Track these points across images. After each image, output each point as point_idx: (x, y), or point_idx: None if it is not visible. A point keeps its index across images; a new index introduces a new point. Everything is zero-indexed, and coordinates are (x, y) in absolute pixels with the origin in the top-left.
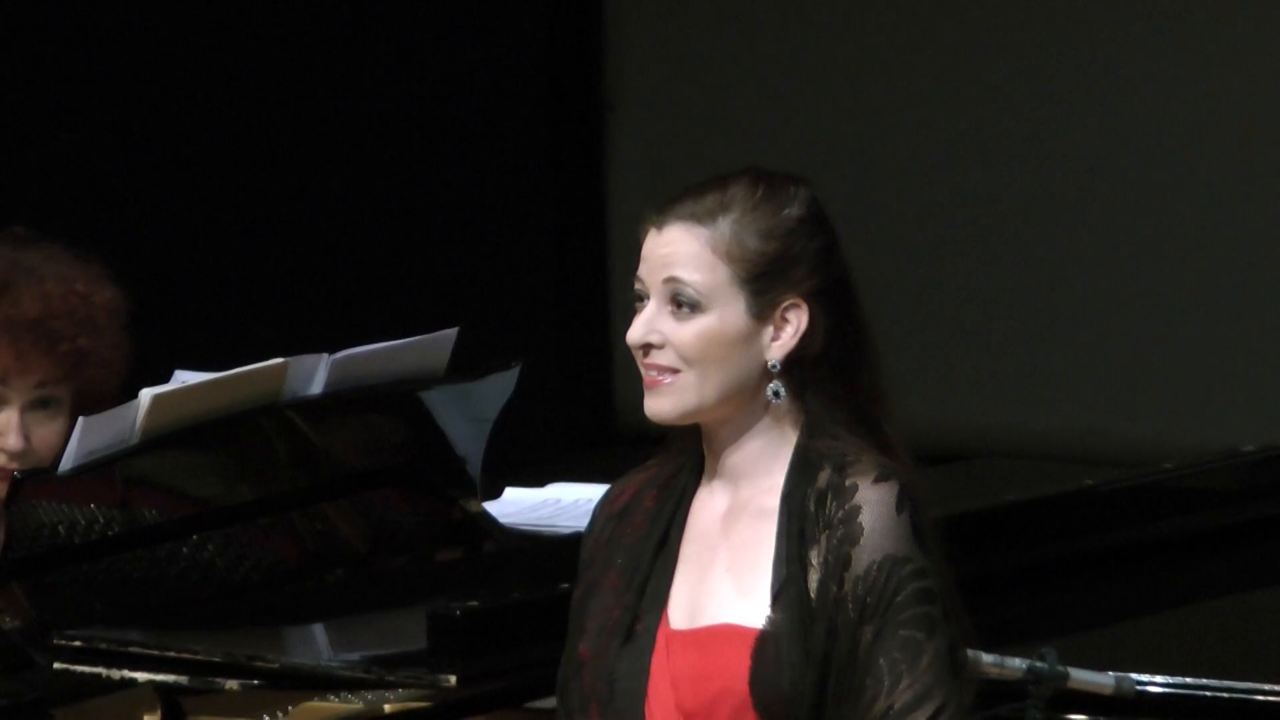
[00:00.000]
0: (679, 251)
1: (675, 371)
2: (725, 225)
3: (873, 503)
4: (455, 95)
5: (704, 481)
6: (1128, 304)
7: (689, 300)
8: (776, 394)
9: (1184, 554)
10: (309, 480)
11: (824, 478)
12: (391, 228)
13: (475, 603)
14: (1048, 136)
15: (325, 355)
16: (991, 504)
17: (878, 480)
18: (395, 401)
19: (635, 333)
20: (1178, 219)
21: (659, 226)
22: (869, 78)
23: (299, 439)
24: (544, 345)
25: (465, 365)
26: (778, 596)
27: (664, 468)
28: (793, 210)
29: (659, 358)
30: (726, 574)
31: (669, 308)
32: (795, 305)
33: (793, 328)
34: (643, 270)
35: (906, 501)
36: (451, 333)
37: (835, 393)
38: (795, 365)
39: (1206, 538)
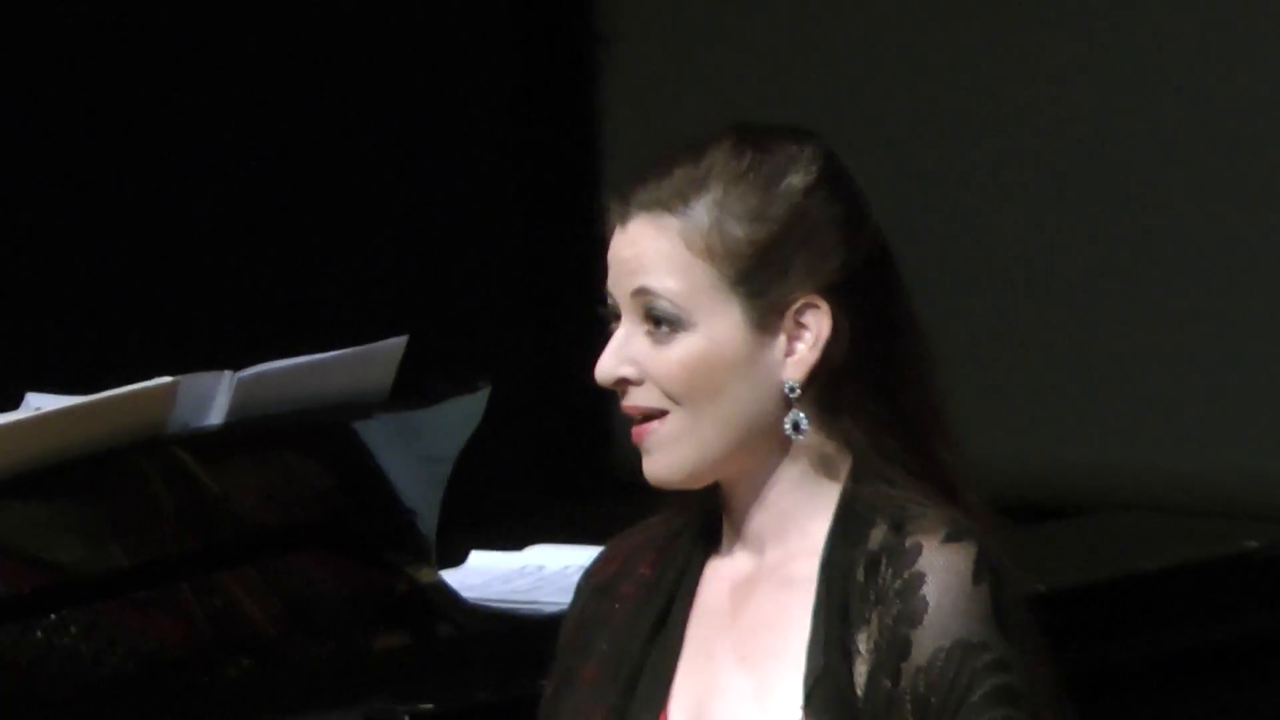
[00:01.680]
0: (645, 252)
1: (662, 414)
2: (701, 210)
3: (940, 570)
4: (405, 22)
5: (720, 542)
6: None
7: (666, 316)
8: (797, 427)
9: None
10: (203, 541)
11: (877, 536)
12: (317, 199)
13: (428, 705)
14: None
15: (228, 373)
16: (1118, 572)
17: (948, 540)
18: (321, 435)
19: (603, 365)
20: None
21: (622, 220)
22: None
23: (190, 485)
24: (520, 359)
25: (416, 386)
26: (811, 695)
27: (667, 525)
28: (794, 178)
29: (638, 396)
30: (742, 665)
31: (644, 327)
32: (811, 305)
33: (811, 335)
34: (610, 281)
35: (986, 569)
36: (398, 343)
37: (880, 417)
38: (822, 386)
39: None
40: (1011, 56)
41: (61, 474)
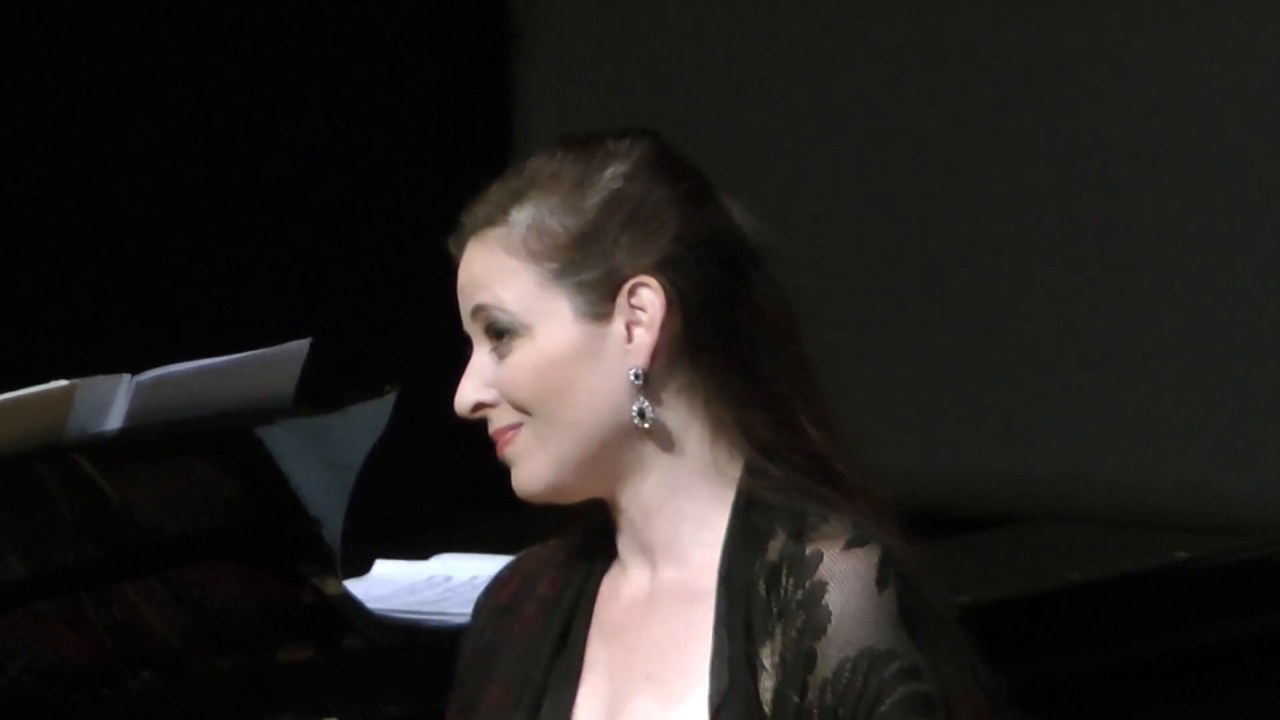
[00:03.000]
0: (475, 273)
1: (516, 428)
2: (519, 216)
3: (843, 578)
4: (320, 19)
5: (617, 557)
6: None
7: (501, 326)
8: (643, 414)
9: None
10: (103, 550)
11: (776, 546)
12: (225, 199)
13: (334, 719)
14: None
15: (127, 376)
16: (1046, 585)
17: (850, 546)
18: (223, 441)
19: (460, 396)
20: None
21: (458, 249)
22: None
23: (89, 492)
24: (430, 360)
25: (320, 390)
26: (719, 711)
27: (567, 543)
28: (611, 168)
29: (497, 418)
30: (648, 682)
31: (490, 346)
32: (641, 284)
33: (646, 315)
34: (461, 311)
35: (891, 574)
36: (301, 346)
37: (741, 392)
38: (674, 367)
39: None
40: (977, 46)
41: None
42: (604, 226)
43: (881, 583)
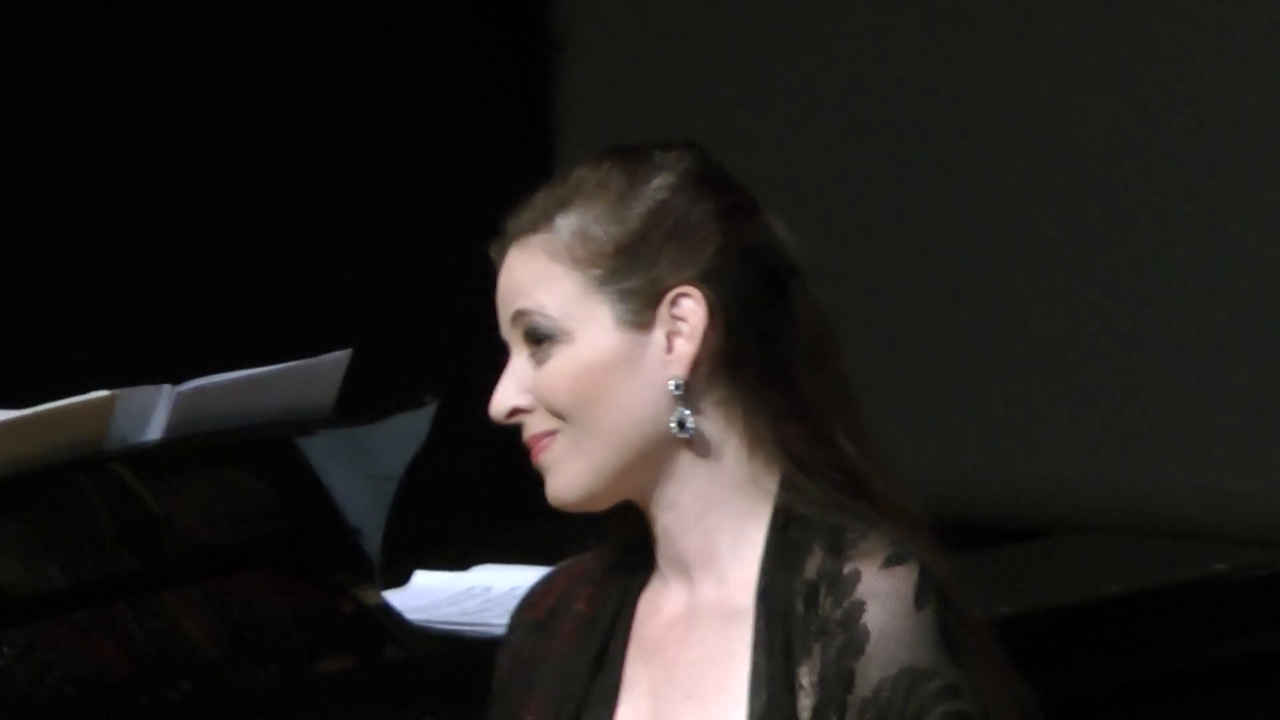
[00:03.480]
0: (517, 277)
1: (552, 435)
2: (564, 223)
3: (881, 597)
4: (361, 28)
5: (654, 574)
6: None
7: (543, 332)
8: (683, 424)
9: None
10: (142, 560)
11: (814, 564)
12: (267, 210)
13: None
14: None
15: (167, 387)
16: (1084, 596)
17: (888, 564)
18: (263, 451)
19: (495, 400)
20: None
21: (500, 255)
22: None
23: (130, 502)
24: (469, 371)
25: (361, 401)
26: None
27: (601, 559)
28: (658, 179)
29: (533, 424)
30: (688, 701)
31: (528, 352)
32: (684, 294)
33: (688, 326)
34: (499, 318)
35: (930, 592)
36: (341, 357)
37: (779, 405)
38: (713, 379)
39: None
40: (993, 60)
41: None
42: (648, 236)
43: (920, 601)
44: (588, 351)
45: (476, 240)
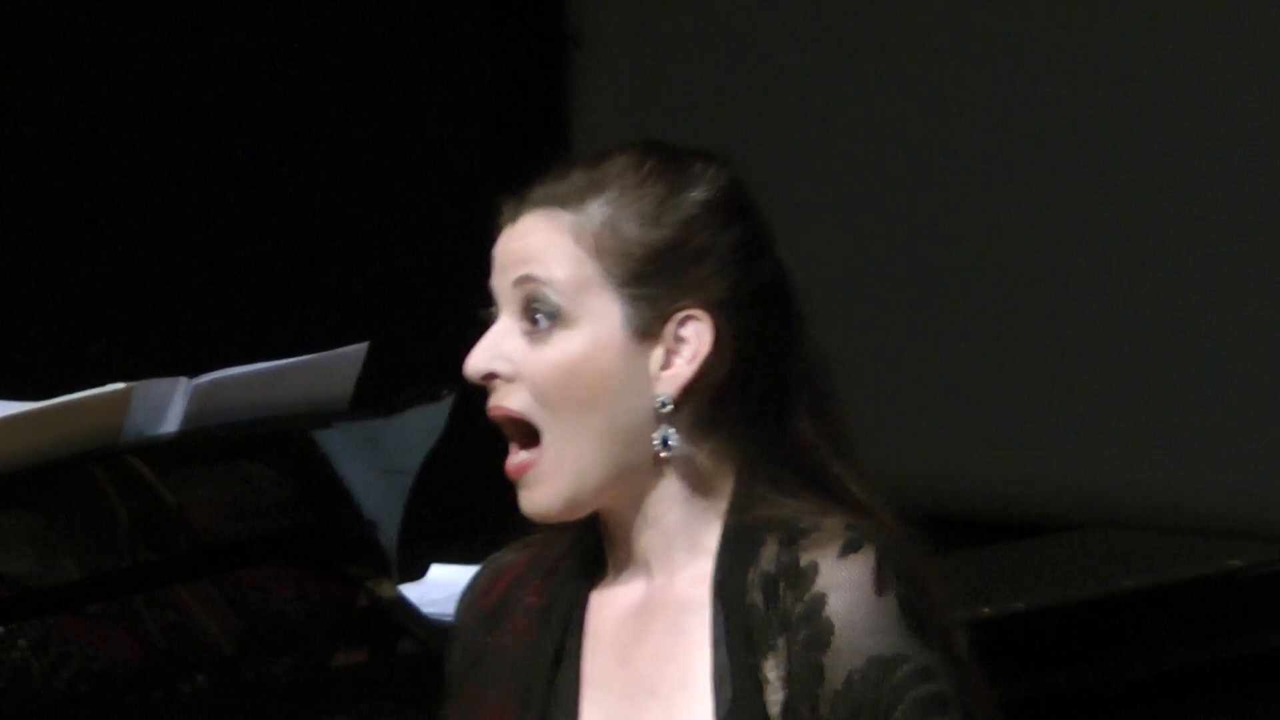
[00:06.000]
0: (534, 243)
1: (528, 428)
2: (597, 209)
3: (841, 587)
4: (377, 25)
5: (604, 568)
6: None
7: (549, 308)
8: (666, 443)
9: None
10: (157, 553)
11: (769, 554)
12: (283, 204)
13: None
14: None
15: (183, 379)
16: (1101, 591)
17: (845, 552)
18: (279, 444)
19: (474, 359)
20: None
21: (513, 218)
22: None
23: (145, 495)
24: None
25: (378, 394)
26: None
27: (547, 547)
28: (695, 192)
29: (507, 397)
30: (651, 698)
31: (523, 325)
32: (694, 318)
33: (690, 349)
34: (494, 277)
35: (890, 575)
36: (358, 350)
37: (763, 441)
38: (701, 404)
39: None
40: (993, 61)
41: (12, 482)
42: (677, 249)
43: (880, 586)
44: (589, 345)
45: (494, 234)
